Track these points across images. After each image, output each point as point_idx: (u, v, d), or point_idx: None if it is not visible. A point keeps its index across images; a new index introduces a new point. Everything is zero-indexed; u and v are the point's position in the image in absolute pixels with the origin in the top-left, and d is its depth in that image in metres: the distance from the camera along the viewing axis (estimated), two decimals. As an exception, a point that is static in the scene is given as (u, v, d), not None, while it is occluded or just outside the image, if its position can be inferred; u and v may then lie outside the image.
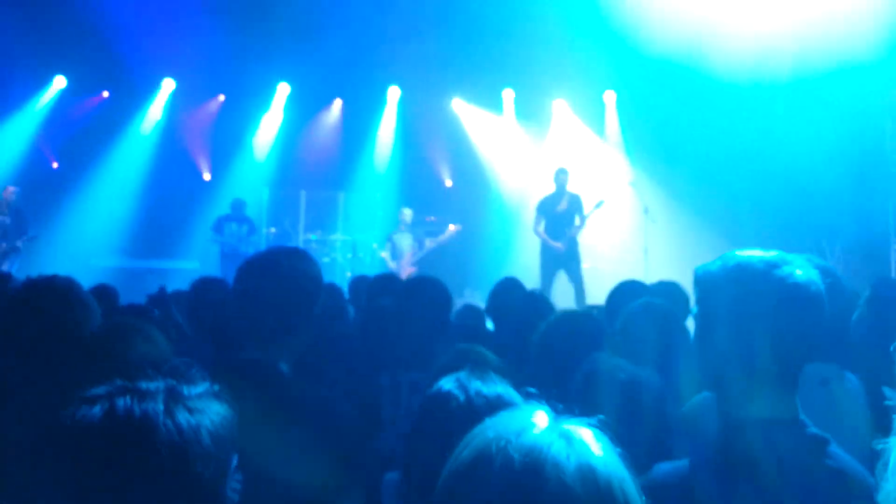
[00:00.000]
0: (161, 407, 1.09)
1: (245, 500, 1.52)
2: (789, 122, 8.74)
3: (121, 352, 2.00)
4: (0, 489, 1.65)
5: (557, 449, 0.80)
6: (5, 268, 8.12)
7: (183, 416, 1.09)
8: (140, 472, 1.06)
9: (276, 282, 1.95)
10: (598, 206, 8.36)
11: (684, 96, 9.38)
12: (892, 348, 1.10)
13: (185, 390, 1.14)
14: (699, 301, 1.45)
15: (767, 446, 1.30)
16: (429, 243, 9.19)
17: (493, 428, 0.86)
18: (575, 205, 8.42)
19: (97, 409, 1.08)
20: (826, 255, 8.00)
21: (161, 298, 4.36)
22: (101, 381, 1.14)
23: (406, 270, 8.75)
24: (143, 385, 1.12)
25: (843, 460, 1.33)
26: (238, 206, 9.85)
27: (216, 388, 1.19)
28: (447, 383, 1.58)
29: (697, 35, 8.31)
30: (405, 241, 9.19)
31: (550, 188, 8.59)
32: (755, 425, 1.34)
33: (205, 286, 3.47)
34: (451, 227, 9.22)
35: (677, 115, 9.58)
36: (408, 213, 9.36)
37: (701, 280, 1.45)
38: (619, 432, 1.70)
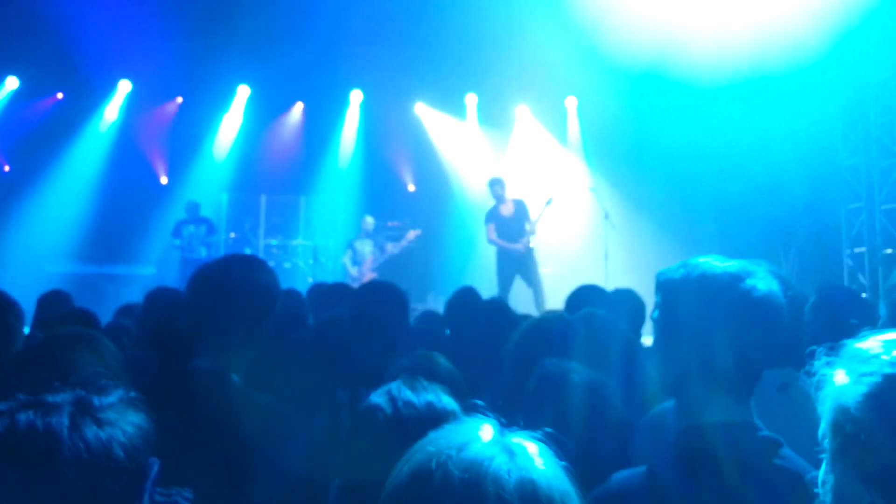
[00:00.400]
0: (66, 421, 1.04)
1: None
2: (747, 127, 8.93)
3: (66, 360, 1.94)
4: None
5: (498, 463, 0.79)
6: None
7: (91, 430, 1.05)
8: (44, 491, 1.01)
9: (229, 290, 1.92)
10: (547, 203, 8.41)
11: (645, 102, 9.53)
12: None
13: (96, 401, 1.09)
14: (661, 307, 1.46)
15: (724, 448, 1.33)
16: (390, 248, 9.22)
17: (436, 442, 0.84)
18: (520, 209, 8.47)
19: None
20: (781, 260, 8.20)
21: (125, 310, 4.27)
22: (38, 391, 1.08)
23: (367, 276, 8.73)
24: (49, 398, 1.07)
25: (794, 461, 1.36)
26: (192, 207, 9.79)
27: (132, 395, 1.14)
28: (377, 396, 1.56)
29: (658, 42, 8.46)
30: (366, 248, 9.21)
31: (491, 201, 8.64)
32: (712, 428, 1.36)
33: (158, 294, 3.39)
34: (411, 233, 9.27)
35: (637, 121, 9.72)
36: (370, 221, 9.39)
37: (663, 286, 1.46)
38: (577, 434, 1.72)
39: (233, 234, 10.36)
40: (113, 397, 1.12)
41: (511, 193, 8.61)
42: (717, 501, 1.31)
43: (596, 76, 9.49)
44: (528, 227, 8.39)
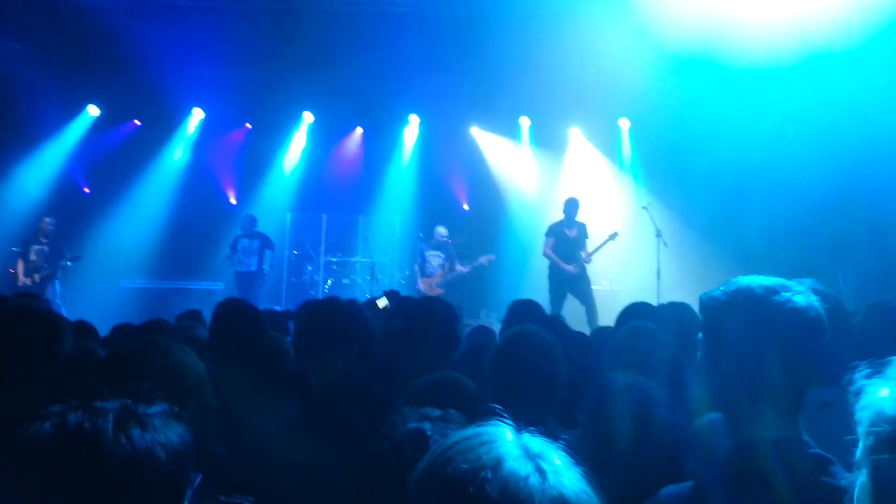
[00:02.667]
0: (111, 421, 1.13)
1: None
2: (802, 139, 8.82)
3: (160, 365, 2.09)
4: None
5: (533, 483, 0.82)
6: (48, 289, 8.55)
7: (134, 431, 1.13)
8: (91, 484, 1.09)
9: (336, 325, 2.62)
10: (611, 237, 8.65)
11: (695, 119, 9.54)
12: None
13: (141, 409, 1.17)
14: (704, 326, 1.52)
15: (773, 465, 1.35)
16: (459, 268, 9.18)
17: (465, 458, 0.86)
18: (582, 234, 8.70)
19: (48, 425, 1.12)
20: (838, 278, 8.04)
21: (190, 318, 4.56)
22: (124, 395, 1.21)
23: (434, 291, 8.86)
24: (97, 403, 1.16)
25: (845, 479, 1.30)
26: (247, 222, 10.02)
27: (175, 409, 1.23)
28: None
29: (707, 63, 8.50)
30: (436, 260, 9.24)
31: (560, 216, 8.86)
32: (761, 445, 1.38)
33: (230, 307, 3.60)
34: (484, 258, 9.20)
35: (689, 138, 9.72)
36: (442, 231, 9.31)
37: (705, 306, 1.52)
38: (633, 442, 1.81)
39: (295, 252, 10.76)
40: (158, 408, 1.20)
41: (579, 216, 8.80)
42: None
43: (649, 96, 9.56)
44: (583, 253, 8.57)
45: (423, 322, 3.11)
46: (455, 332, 3.25)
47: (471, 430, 0.91)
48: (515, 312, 4.00)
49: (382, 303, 5.21)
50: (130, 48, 9.22)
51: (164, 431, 1.16)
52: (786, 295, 1.41)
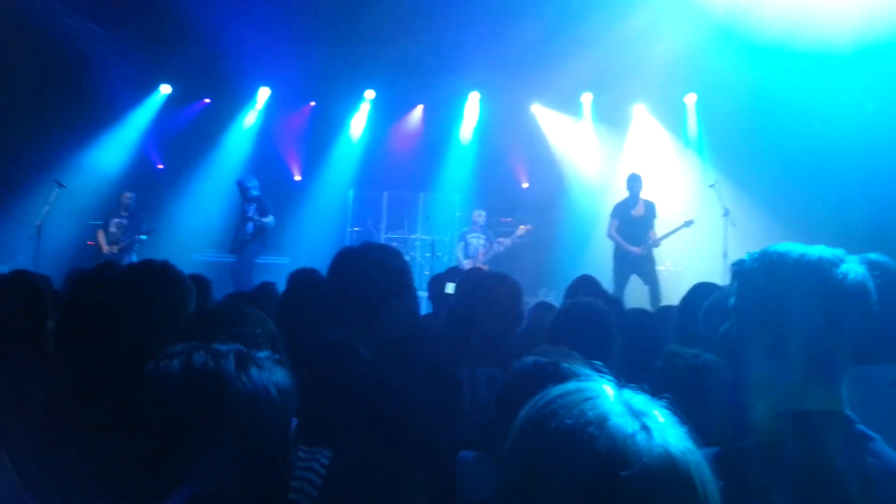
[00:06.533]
0: (232, 362, 1.23)
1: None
2: (881, 123, 8.44)
3: (237, 325, 2.16)
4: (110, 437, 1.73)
5: (640, 440, 0.80)
6: (125, 260, 8.91)
7: (253, 370, 1.24)
8: (216, 417, 1.18)
9: (361, 271, 2.18)
10: (686, 224, 8.45)
11: (766, 95, 9.20)
12: None
13: (253, 353, 1.29)
14: (744, 294, 1.43)
15: (804, 438, 1.29)
16: (500, 243, 9.40)
17: (569, 413, 0.84)
18: (650, 211, 8.51)
19: (176, 362, 1.20)
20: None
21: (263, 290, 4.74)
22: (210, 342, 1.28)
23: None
24: (217, 346, 1.27)
25: (890, 458, 1.29)
26: (242, 187, 9.07)
27: (277, 356, 1.33)
28: (536, 356, 1.71)
29: (776, 37, 8.19)
30: (478, 241, 9.46)
31: (624, 194, 8.71)
32: (798, 416, 1.32)
33: (299, 276, 3.73)
34: (522, 228, 9.38)
35: (759, 116, 9.40)
36: (480, 214, 9.62)
37: (737, 273, 1.45)
38: (690, 413, 1.84)
39: (357, 228, 10.94)
40: (265, 353, 1.30)
41: (645, 194, 8.64)
42: (803, 493, 1.26)
43: (715, 72, 9.27)
44: (652, 234, 8.42)
45: (486, 296, 3.13)
46: (518, 306, 3.26)
47: (572, 385, 0.89)
48: (574, 287, 4.09)
49: (451, 288, 5.23)
50: (200, 28, 9.41)
51: (274, 372, 1.26)
52: (844, 268, 1.36)
